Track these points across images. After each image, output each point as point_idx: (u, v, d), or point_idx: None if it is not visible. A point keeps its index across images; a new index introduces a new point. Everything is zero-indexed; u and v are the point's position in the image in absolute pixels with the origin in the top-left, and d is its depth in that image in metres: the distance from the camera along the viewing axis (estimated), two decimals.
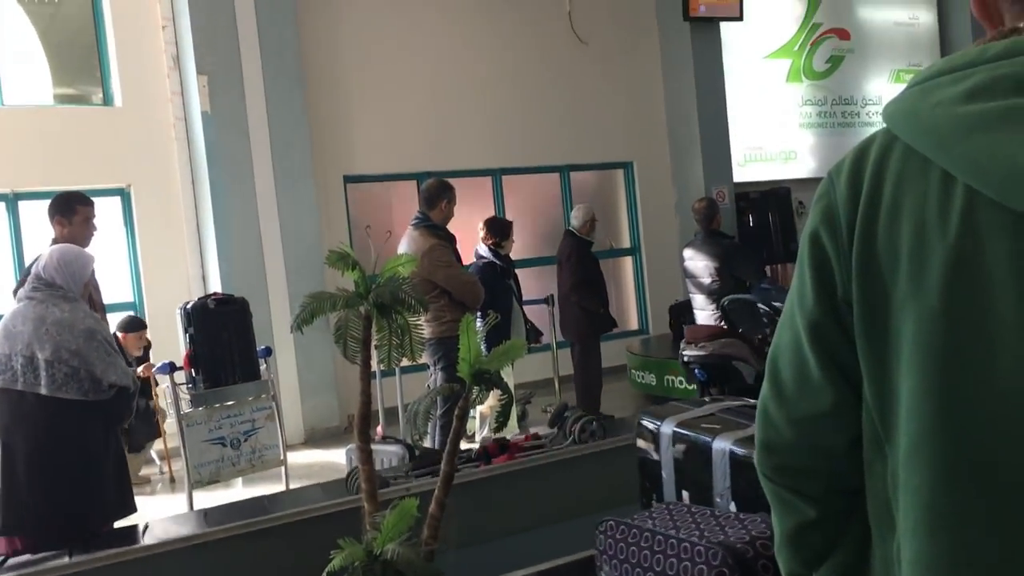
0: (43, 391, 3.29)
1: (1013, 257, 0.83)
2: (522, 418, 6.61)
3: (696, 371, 4.29)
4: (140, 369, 5.79)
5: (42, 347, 3.29)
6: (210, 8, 7.43)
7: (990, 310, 0.84)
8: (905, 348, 0.89)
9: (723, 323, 6.13)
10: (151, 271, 7.75)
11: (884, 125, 0.95)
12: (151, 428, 6.42)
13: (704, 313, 6.27)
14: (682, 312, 7.61)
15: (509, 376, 4.53)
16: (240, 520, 2.65)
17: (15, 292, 3.71)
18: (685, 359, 4.21)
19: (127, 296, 7.89)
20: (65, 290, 3.43)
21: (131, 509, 3.65)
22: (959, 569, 0.86)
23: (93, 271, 3.70)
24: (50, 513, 3.29)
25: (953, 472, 0.86)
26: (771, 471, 1.06)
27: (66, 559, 2.61)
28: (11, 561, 2.90)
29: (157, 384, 6.12)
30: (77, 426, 3.35)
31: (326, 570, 1.87)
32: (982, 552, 0.84)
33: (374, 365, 2.30)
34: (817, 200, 0.99)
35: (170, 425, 6.11)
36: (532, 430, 4.11)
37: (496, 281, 5.99)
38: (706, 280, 6.27)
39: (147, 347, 6.65)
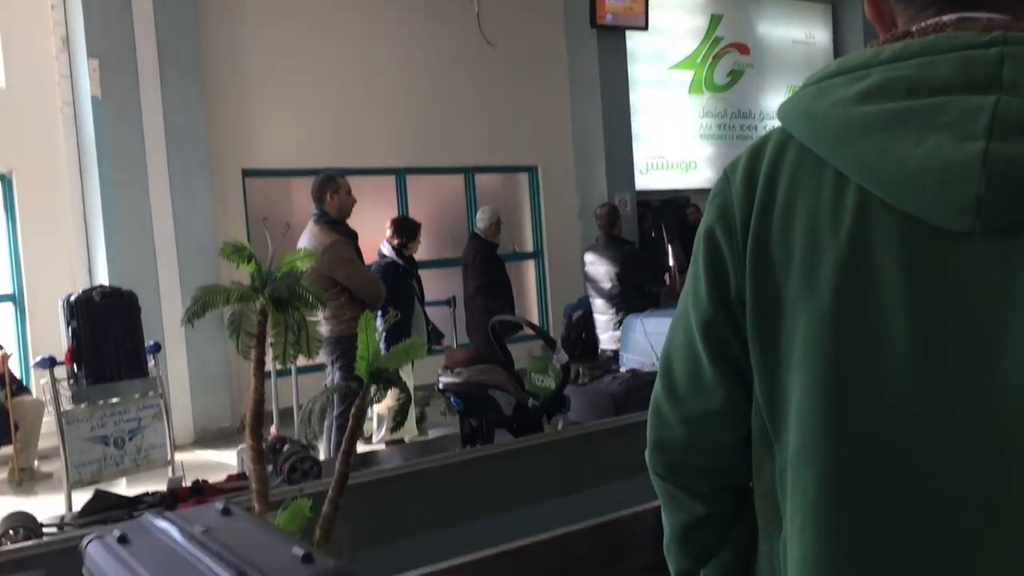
0: None
1: (902, 259, 0.84)
2: (421, 420, 6.54)
3: (452, 399, 3.84)
4: None
5: None
6: None
7: (879, 312, 0.84)
8: (796, 348, 0.89)
9: (617, 328, 6.21)
10: (33, 261, 7.37)
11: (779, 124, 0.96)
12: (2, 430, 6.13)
13: (604, 318, 6.34)
14: (588, 325, 7.42)
15: (409, 376, 4.47)
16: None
17: None
18: (440, 386, 3.79)
19: (6, 287, 7.50)
20: None
21: None
22: (845, 570, 0.86)
23: None
24: None
25: (839, 474, 0.86)
26: (663, 469, 1.05)
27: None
28: None
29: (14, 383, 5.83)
30: None
31: None
32: (867, 554, 0.85)
33: (268, 364, 2.22)
34: (713, 198, 0.98)
35: (48, 424, 5.82)
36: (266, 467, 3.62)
37: (398, 281, 5.92)
38: (606, 285, 6.34)
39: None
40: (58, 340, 5.13)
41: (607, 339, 6.31)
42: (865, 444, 0.85)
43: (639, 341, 5.11)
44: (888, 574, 0.85)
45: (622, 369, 5.27)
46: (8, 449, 6.46)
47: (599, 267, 6.43)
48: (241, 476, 3.25)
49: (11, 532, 2.89)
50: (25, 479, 6.50)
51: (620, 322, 6.16)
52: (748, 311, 0.93)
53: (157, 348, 5.19)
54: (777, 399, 0.92)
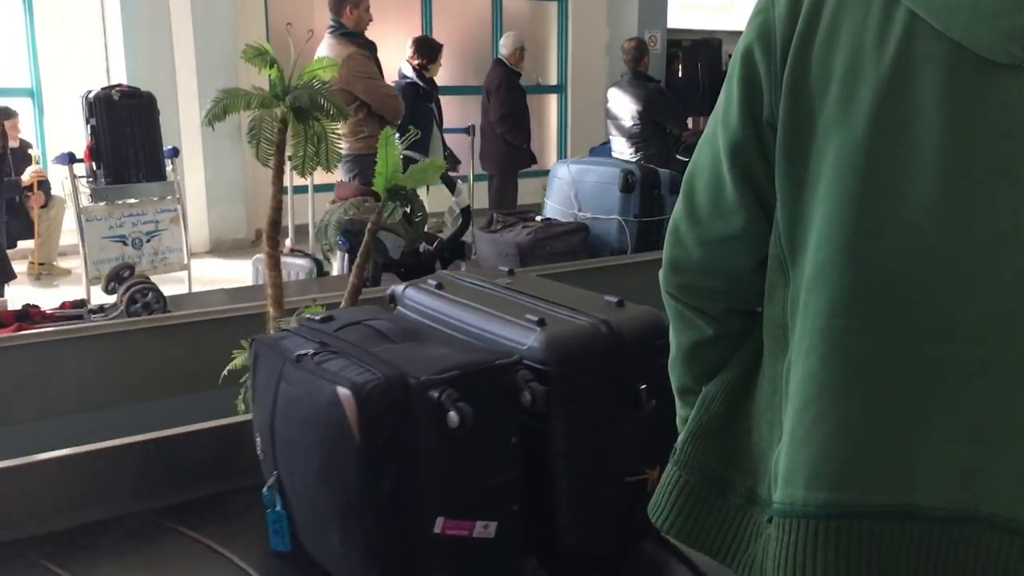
0: None
1: (943, 87, 0.83)
2: None
3: (338, 238, 3.79)
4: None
5: None
6: None
7: (913, 139, 0.84)
8: (824, 175, 0.90)
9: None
10: (49, 56, 7.27)
11: None
12: (25, 224, 6.26)
13: (622, 157, 6.28)
14: None
15: (424, 200, 4.40)
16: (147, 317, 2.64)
17: None
18: (326, 222, 3.79)
19: (24, 81, 7.44)
20: None
21: (5, 276, 3.60)
22: (845, 389, 0.89)
23: None
24: None
25: (851, 298, 0.89)
26: (675, 289, 1.08)
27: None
28: None
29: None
30: None
31: (227, 368, 1.87)
32: (868, 376, 0.88)
33: (286, 179, 2.24)
34: (754, 15, 0.96)
35: (69, 219, 5.93)
36: (82, 298, 3.35)
37: (417, 103, 5.84)
38: (628, 123, 6.25)
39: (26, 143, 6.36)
40: (77, 137, 5.14)
41: None
42: (880, 270, 0.87)
43: (562, 189, 4.65)
44: (886, 396, 0.88)
45: (539, 218, 4.81)
46: (30, 243, 6.60)
47: (622, 104, 6.32)
48: (75, 304, 3.06)
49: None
50: (44, 273, 6.68)
51: (638, 162, 6.12)
52: (779, 134, 0.93)
53: (175, 153, 5.20)
54: (798, 225, 0.93)
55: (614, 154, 6.42)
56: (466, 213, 3.63)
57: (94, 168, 4.84)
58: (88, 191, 4.87)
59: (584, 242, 4.13)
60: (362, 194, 3.38)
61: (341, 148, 2.29)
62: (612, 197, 4.42)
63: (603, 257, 3.82)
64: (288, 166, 2.19)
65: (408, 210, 2.14)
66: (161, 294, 3.03)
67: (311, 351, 1.29)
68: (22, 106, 7.18)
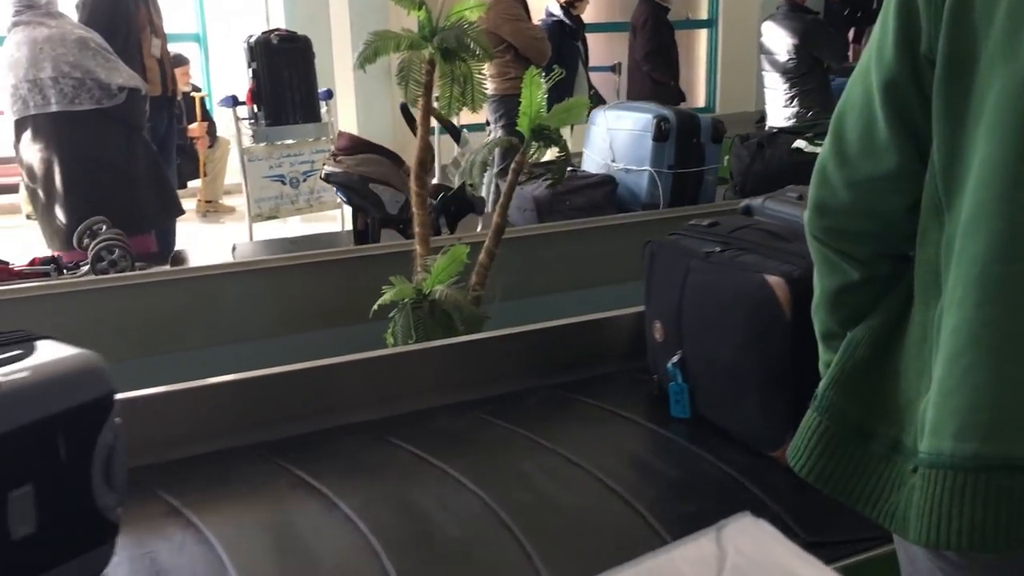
0: (54, 108, 3.31)
1: None
2: None
3: (337, 191, 3.50)
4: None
5: (41, 67, 3.30)
6: None
7: None
8: (986, 113, 0.85)
9: (789, 104, 5.91)
10: (215, 2, 7.60)
11: None
12: (194, 165, 6.63)
13: (775, 93, 6.05)
14: None
15: (568, 140, 4.32)
16: (297, 252, 2.77)
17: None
18: (323, 175, 3.44)
19: (192, 27, 7.82)
20: (47, 5, 3.41)
21: (174, 212, 3.80)
22: (1001, 339, 0.86)
23: None
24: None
25: (1013, 245, 0.85)
26: (821, 232, 1.05)
27: (128, 272, 2.78)
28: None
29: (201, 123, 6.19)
30: (96, 137, 3.40)
31: (376, 303, 1.95)
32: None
33: (433, 121, 2.29)
34: None
35: (233, 159, 6.25)
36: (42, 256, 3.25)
37: (563, 41, 5.79)
38: (782, 58, 5.99)
39: (196, 88, 6.70)
40: (240, 80, 5.37)
41: (777, 116, 6.05)
42: None
43: (598, 137, 4.28)
44: None
45: (570, 170, 4.70)
46: (198, 183, 7.01)
47: (776, 38, 6.06)
48: (45, 261, 3.09)
49: None
50: (211, 211, 7.09)
51: (793, 98, 5.87)
52: (938, 69, 0.88)
53: (329, 95, 5.36)
54: (955, 165, 0.89)
55: (766, 91, 6.19)
56: None
57: (255, 110, 5.07)
58: (250, 132, 5.11)
59: (609, 196, 3.74)
60: (363, 147, 3.34)
61: (486, 89, 2.32)
62: (645, 146, 3.92)
63: (630, 213, 3.46)
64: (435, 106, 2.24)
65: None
66: (128, 251, 3.00)
67: (718, 248, 1.58)
68: (190, 51, 7.57)
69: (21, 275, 2.95)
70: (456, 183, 3.30)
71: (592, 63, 6.58)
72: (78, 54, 3.34)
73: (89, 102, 3.35)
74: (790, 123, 5.83)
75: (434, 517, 1.33)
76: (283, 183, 5.16)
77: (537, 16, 5.88)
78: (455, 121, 3.42)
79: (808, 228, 1.07)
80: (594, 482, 1.44)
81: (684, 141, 3.74)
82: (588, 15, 6.54)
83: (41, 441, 1.01)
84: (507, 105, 4.74)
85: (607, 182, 3.81)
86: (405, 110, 3.43)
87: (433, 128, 2.35)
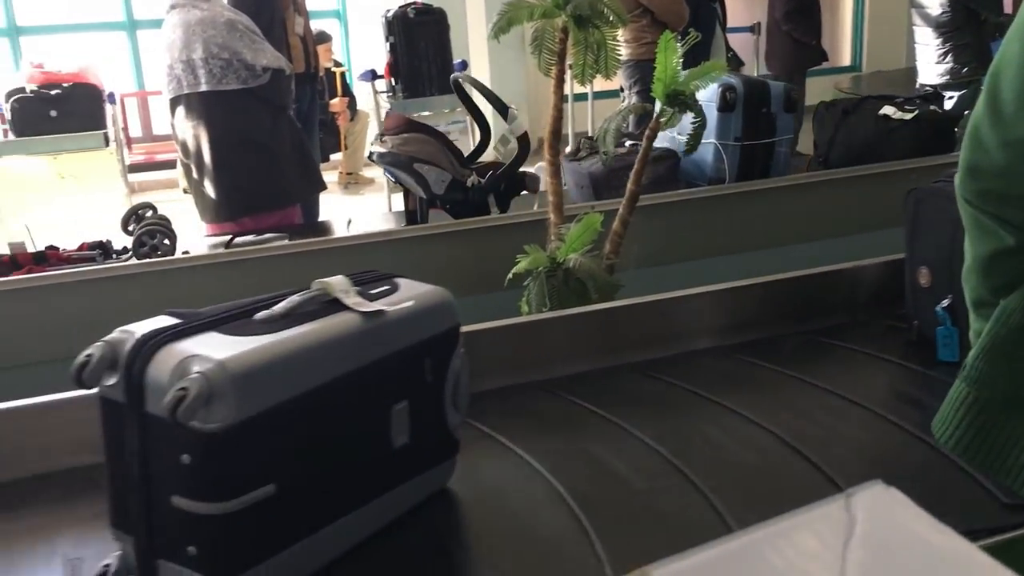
0: (204, 87, 3.50)
1: None
2: None
3: (386, 171, 3.42)
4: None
5: (193, 48, 3.49)
6: None
7: None
8: None
9: (942, 61, 5.57)
10: None
11: None
12: (335, 139, 6.85)
13: (928, 49, 5.72)
14: None
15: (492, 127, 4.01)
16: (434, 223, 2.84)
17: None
18: (369, 154, 3.39)
19: (331, 3, 8.04)
20: None
21: (317, 187, 3.96)
22: None
23: None
24: (239, 198, 3.61)
25: None
26: (973, 195, 1.00)
27: (285, 240, 2.91)
28: (237, 239, 3.25)
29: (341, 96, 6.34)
30: (242, 115, 3.57)
31: (512, 271, 1.98)
32: None
33: (567, 86, 2.28)
34: None
35: (372, 131, 6.42)
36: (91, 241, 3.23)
37: (700, 3, 5.64)
38: (935, 11, 5.66)
39: (337, 63, 6.89)
40: (378, 54, 5.51)
41: (929, 73, 5.73)
42: None
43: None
44: None
45: (628, 143, 4.34)
46: (339, 156, 7.25)
47: None
48: (92, 247, 3.12)
49: None
50: (351, 183, 7.32)
51: (947, 54, 5.54)
52: None
53: (464, 66, 5.43)
54: None
55: (917, 47, 5.86)
56: (523, 141, 3.37)
57: (393, 83, 5.18)
58: (388, 105, 5.24)
59: (672, 171, 3.45)
60: (406, 126, 3.27)
61: (620, 55, 2.29)
62: (711, 117, 3.63)
63: (693, 188, 3.18)
64: (568, 74, 2.24)
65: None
66: (171, 234, 3.06)
67: None
68: (331, 27, 7.80)
69: (70, 260, 3.07)
70: (505, 160, 3.27)
71: (730, 24, 6.40)
72: (226, 36, 3.51)
73: (236, 82, 3.52)
74: (943, 80, 5.51)
75: (620, 472, 1.34)
76: None
77: None
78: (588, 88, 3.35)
79: (959, 191, 1.01)
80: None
81: (752, 111, 3.46)
82: None
83: (413, 363, 1.15)
84: (642, 70, 4.66)
85: (667, 156, 3.54)
86: (457, 85, 3.43)
87: (566, 96, 2.34)
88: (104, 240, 3.21)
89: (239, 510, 0.93)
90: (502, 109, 3.35)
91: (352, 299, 1.08)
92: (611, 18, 2.09)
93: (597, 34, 2.09)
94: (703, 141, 3.61)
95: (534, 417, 1.55)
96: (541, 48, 2.12)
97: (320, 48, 5.90)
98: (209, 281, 2.48)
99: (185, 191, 4.48)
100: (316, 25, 6.06)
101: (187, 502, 0.92)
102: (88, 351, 0.97)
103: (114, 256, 3.07)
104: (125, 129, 6.10)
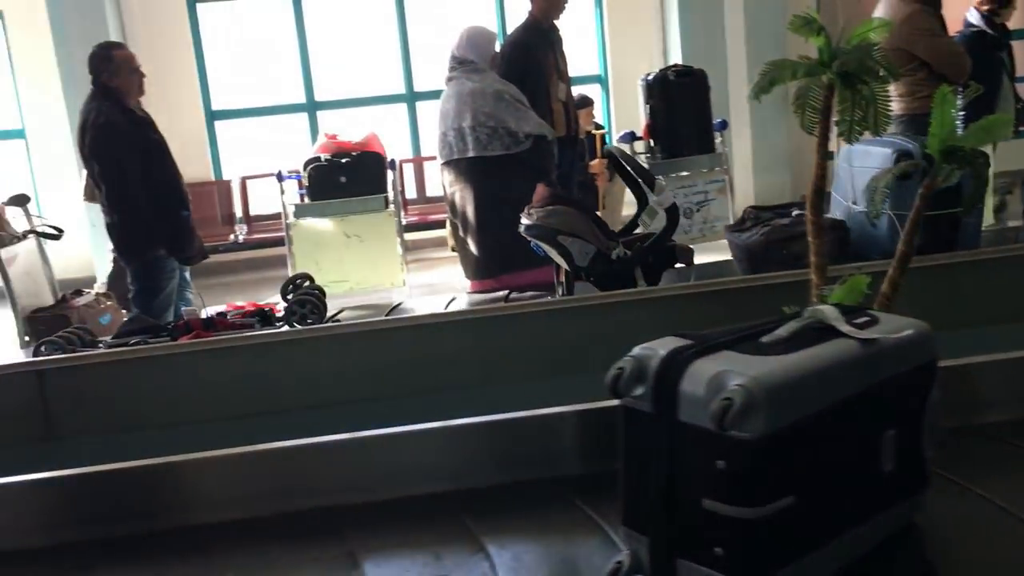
0: (471, 153, 3.74)
1: None
2: (999, 210, 5.94)
3: (533, 244, 3.36)
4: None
5: (463, 117, 3.74)
6: None
7: None
8: None
9: None
10: (616, 42, 8.00)
11: None
12: (594, 199, 6.97)
13: None
14: None
15: (990, 159, 3.85)
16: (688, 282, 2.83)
17: None
18: (521, 229, 3.35)
19: (593, 68, 8.30)
20: (476, 63, 3.82)
21: None
22: None
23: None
24: (500, 257, 3.78)
25: None
26: None
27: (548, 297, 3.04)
28: (512, 295, 3.46)
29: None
30: (503, 179, 3.74)
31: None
32: None
33: (832, 142, 2.21)
34: None
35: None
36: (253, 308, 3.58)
37: (984, 53, 5.26)
38: None
39: (598, 126, 7.03)
40: (638, 117, 5.61)
41: None
42: None
43: (843, 173, 3.58)
44: None
45: (795, 212, 3.78)
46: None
47: None
48: (254, 314, 3.40)
49: None
50: None
51: None
52: None
53: (724, 125, 5.40)
54: None
55: None
56: (671, 213, 3.11)
57: (651, 144, 5.25)
58: (647, 166, 5.30)
59: (839, 244, 3.17)
60: (551, 199, 3.28)
61: (891, 110, 2.19)
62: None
63: (857, 263, 2.74)
64: (834, 132, 2.17)
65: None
66: (319, 306, 3.29)
67: None
68: (593, 91, 8.04)
69: (233, 326, 3.41)
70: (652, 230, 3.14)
71: (1019, 74, 5.90)
72: (494, 105, 3.75)
73: (500, 148, 3.75)
74: None
75: None
76: None
77: (954, 28, 5.42)
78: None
79: None
80: None
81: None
82: (1015, 21, 5.89)
83: (901, 392, 1.21)
84: (916, 125, 4.40)
85: (834, 227, 3.32)
86: (611, 157, 3.37)
87: (831, 154, 2.27)
88: (266, 307, 3.60)
89: (766, 516, 0.99)
90: (649, 180, 3.31)
91: (845, 327, 1.14)
92: (881, 73, 2.01)
93: (866, 90, 2.01)
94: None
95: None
96: (804, 106, 2.08)
97: (581, 112, 6.10)
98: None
99: (453, 249, 4.77)
100: (579, 90, 6.28)
101: (719, 505, 1.00)
102: (619, 364, 1.08)
103: (276, 324, 3.42)
104: (402, 192, 6.61)
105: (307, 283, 3.73)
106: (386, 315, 3.40)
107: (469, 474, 1.74)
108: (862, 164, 3.62)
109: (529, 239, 3.37)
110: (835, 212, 3.75)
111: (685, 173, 5.30)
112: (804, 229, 3.29)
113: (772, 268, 3.07)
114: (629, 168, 3.31)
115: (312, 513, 1.61)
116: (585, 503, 1.58)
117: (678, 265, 3.22)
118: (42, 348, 3.46)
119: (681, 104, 5.17)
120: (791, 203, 4.30)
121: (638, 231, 3.34)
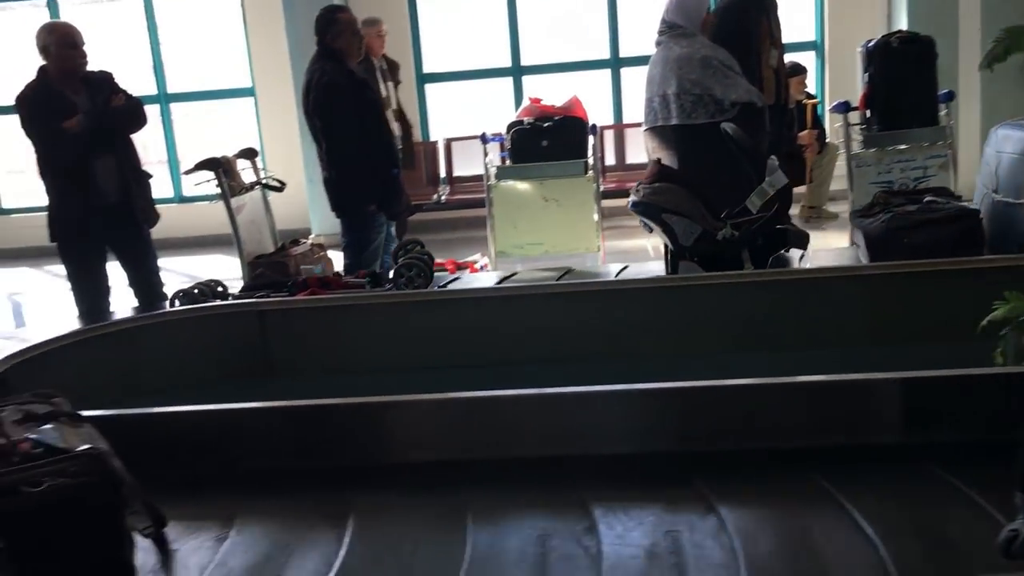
0: (675, 121, 3.67)
1: None
2: None
3: (642, 221, 3.38)
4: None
5: (668, 84, 3.68)
6: None
7: None
8: None
9: None
10: (835, 7, 7.61)
11: None
12: (801, 171, 6.69)
13: None
14: None
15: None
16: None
17: None
18: (629, 204, 3.35)
19: (809, 35, 7.95)
20: (684, 28, 3.72)
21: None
22: None
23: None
24: None
25: None
26: None
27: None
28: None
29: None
30: (706, 148, 3.65)
31: (986, 319, 1.82)
32: None
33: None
34: None
35: (840, 165, 6.21)
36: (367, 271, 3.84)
37: None
38: None
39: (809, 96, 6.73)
40: (854, 86, 5.32)
41: None
42: None
43: (990, 159, 3.27)
44: None
45: (926, 199, 3.41)
46: (802, 188, 7.10)
47: None
48: (367, 275, 3.64)
49: None
50: (813, 217, 7.12)
51: None
52: None
53: (950, 97, 5.02)
54: None
55: None
56: (783, 194, 2.97)
57: (867, 115, 4.97)
58: (860, 138, 5.03)
59: (967, 234, 2.91)
60: (655, 175, 3.25)
61: None
62: None
63: (992, 256, 2.59)
64: None
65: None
66: (426, 270, 3.40)
67: None
68: (807, 59, 7.70)
69: (347, 285, 3.63)
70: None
71: None
72: (700, 72, 3.68)
73: (704, 116, 3.67)
74: None
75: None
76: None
77: None
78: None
79: None
80: None
81: None
82: None
83: None
84: None
85: (963, 216, 3.06)
86: (729, 136, 3.35)
87: None
88: (379, 270, 3.85)
89: None
90: (760, 161, 3.28)
91: None
92: None
93: None
94: (1015, 201, 3.10)
95: None
96: None
97: (793, 81, 5.85)
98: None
99: None
100: (791, 58, 6.02)
101: None
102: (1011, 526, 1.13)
103: (386, 284, 3.60)
104: (602, 158, 6.60)
105: (418, 247, 3.86)
106: (496, 283, 3.52)
107: (699, 438, 1.77)
108: (1005, 149, 3.37)
109: (637, 215, 3.38)
110: (977, 199, 3.50)
111: (903, 147, 4.98)
112: (930, 217, 3.12)
113: (892, 257, 2.95)
114: (738, 148, 3.25)
115: (543, 460, 1.71)
116: (823, 477, 1.56)
117: (793, 250, 3.18)
118: (176, 300, 3.78)
119: (903, 73, 4.86)
120: (927, 189, 4.08)
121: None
